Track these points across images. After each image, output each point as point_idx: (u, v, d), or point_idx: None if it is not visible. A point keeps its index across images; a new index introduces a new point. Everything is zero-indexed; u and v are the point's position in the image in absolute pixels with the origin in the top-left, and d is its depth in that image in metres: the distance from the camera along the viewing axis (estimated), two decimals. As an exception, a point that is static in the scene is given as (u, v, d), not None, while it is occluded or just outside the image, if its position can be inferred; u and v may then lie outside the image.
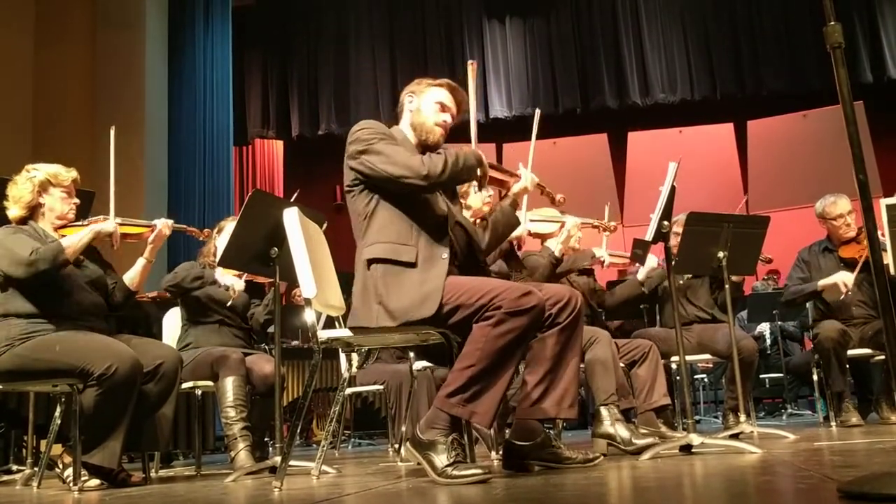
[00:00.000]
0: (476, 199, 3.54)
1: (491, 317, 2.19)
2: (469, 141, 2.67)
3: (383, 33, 9.73)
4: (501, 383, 2.20)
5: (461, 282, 2.31)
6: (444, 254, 2.37)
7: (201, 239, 3.86)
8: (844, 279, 4.14)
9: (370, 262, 2.38)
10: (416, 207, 2.44)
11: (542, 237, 3.78)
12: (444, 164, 2.36)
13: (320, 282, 2.43)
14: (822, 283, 4.26)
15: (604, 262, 4.11)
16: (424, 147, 2.57)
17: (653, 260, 4.01)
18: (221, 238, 3.81)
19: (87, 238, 2.96)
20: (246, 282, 3.72)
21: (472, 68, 2.72)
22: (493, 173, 2.60)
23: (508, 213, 2.74)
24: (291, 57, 9.89)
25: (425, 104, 2.59)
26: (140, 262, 3.20)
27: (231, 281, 3.68)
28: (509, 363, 2.21)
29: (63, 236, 3.05)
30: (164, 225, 3.24)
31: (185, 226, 3.54)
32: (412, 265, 2.34)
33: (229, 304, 3.70)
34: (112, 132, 3.27)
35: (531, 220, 3.71)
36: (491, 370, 2.18)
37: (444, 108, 2.59)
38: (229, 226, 3.81)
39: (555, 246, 3.63)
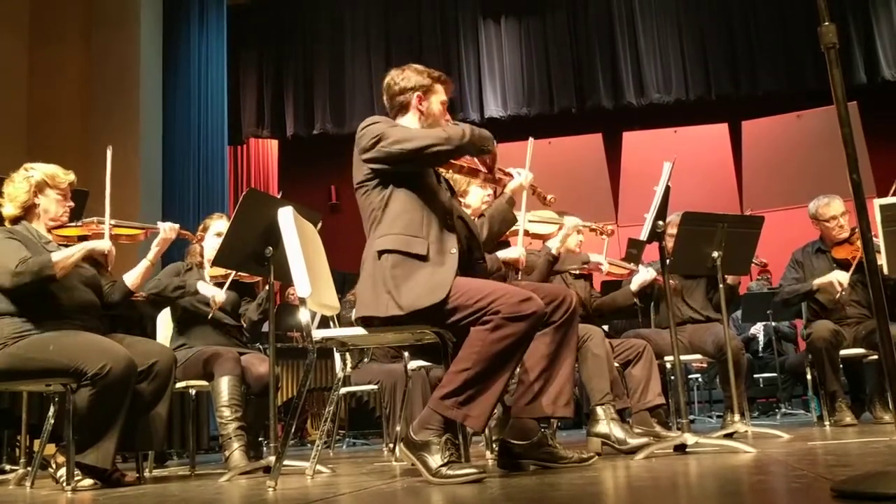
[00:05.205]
0: (475, 199, 3.53)
1: (489, 321, 2.18)
2: None
3: (379, 32, 9.72)
4: (496, 388, 2.19)
5: (462, 283, 2.29)
6: (454, 248, 2.37)
7: (194, 242, 3.85)
8: (839, 278, 4.17)
9: (381, 252, 2.36)
10: (426, 195, 2.43)
11: (542, 238, 3.77)
12: (462, 130, 2.41)
13: (315, 281, 2.43)
14: (817, 282, 4.28)
15: (602, 267, 4.07)
16: None
17: (649, 273, 3.99)
18: (208, 236, 3.78)
19: (79, 255, 2.88)
20: (232, 281, 3.65)
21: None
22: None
23: (505, 209, 2.74)
24: (286, 56, 9.86)
25: (435, 106, 2.61)
26: (143, 264, 3.17)
27: (213, 292, 3.61)
28: (506, 368, 2.20)
29: (61, 236, 3.04)
30: (170, 229, 3.23)
31: (184, 231, 3.52)
32: (424, 258, 2.33)
33: (210, 316, 3.63)
34: (109, 152, 3.17)
35: (529, 221, 3.70)
36: (486, 374, 2.17)
37: (445, 105, 2.64)
38: (214, 224, 3.80)
39: (553, 244, 3.62)
